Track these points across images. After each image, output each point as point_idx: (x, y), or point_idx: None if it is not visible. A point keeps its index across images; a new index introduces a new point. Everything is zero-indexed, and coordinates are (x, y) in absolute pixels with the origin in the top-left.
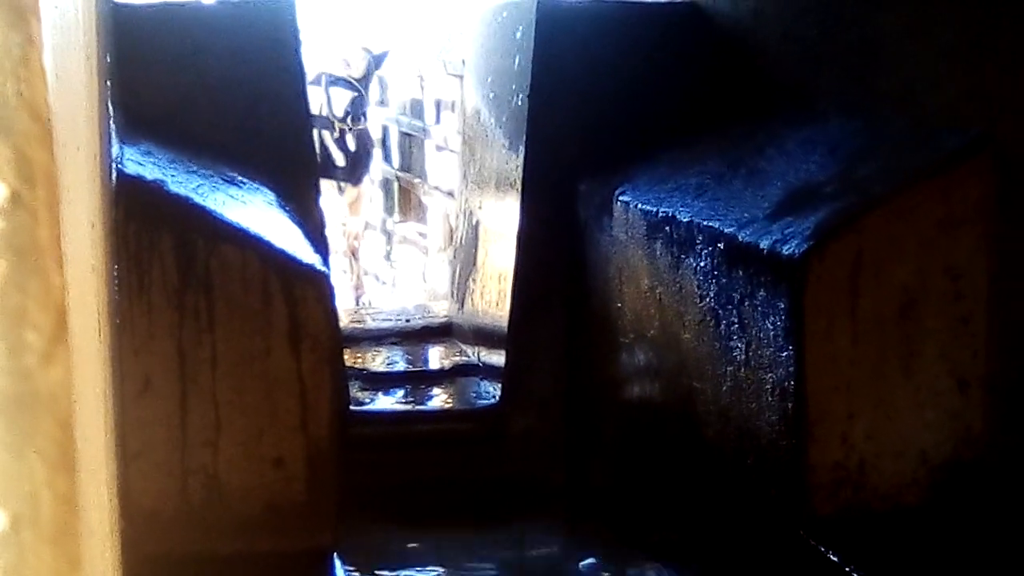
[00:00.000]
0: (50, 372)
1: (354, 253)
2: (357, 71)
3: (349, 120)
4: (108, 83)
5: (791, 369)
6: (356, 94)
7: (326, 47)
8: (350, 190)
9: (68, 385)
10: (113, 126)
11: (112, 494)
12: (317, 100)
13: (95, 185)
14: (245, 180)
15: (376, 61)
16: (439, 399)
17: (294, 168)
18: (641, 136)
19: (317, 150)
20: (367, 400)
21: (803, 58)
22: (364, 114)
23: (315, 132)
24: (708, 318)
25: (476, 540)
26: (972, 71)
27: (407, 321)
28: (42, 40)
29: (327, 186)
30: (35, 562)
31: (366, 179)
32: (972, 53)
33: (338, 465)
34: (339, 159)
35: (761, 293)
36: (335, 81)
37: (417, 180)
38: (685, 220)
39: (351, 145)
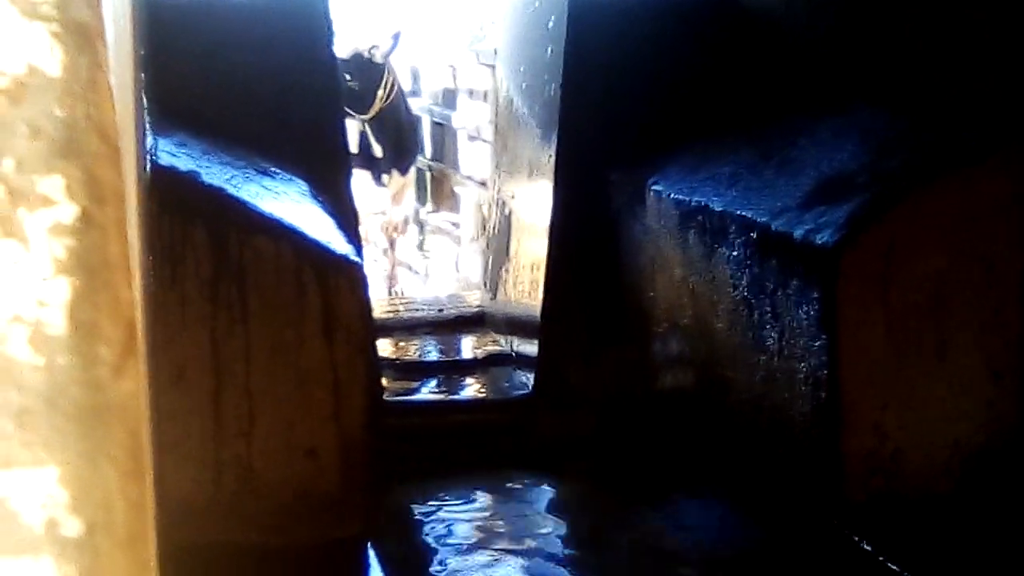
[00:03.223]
0: (121, 384)
1: (391, 244)
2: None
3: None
4: (142, 76)
5: (824, 358)
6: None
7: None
8: (396, 180)
9: (138, 396)
10: (147, 118)
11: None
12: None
13: (137, 183)
14: (278, 171)
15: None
16: (472, 389)
17: (326, 158)
18: (673, 125)
19: (356, 142)
20: (400, 390)
21: (834, 48)
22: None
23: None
24: (741, 307)
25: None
26: (1004, 61)
27: (440, 311)
28: (108, 62)
29: (366, 177)
30: (110, 566)
31: (412, 170)
32: (1003, 44)
33: (371, 455)
34: (377, 150)
35: (794, 282)
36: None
37: (450, 170)
38: (718, 210)
39: (394, 134)
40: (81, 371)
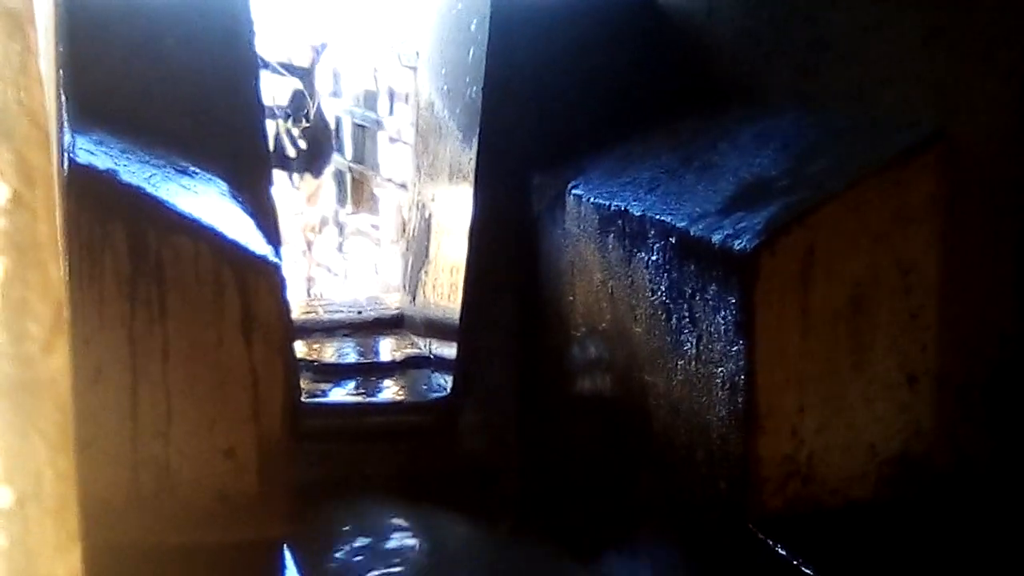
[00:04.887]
0: (50, 359)
1: (308, 245)
2: (302, 63)
3: (301, 116)
4: (61, 72)
5: (741, 363)
6: (299, 86)
7: (272, 39)
8: (309, 182)
9: (66, 371)
10: (65, 115)
11: None
12: (269, 92)
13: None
14: (198, 170)
15: (318, 53)
16: (390, 391)
17: (247, 159)
18: (595, 129)
19: (271, 142)
20: (318, 391)
21: (756, 53)
22: (309, 106)
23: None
24: (659, 312)
25: (426, 531)
26: (924, 67)
27: (359, 313)
28: (38, 48)
29: (283, 178)
30: (39, 534)
31: (326, 171)
32: (924, 49)
33: (289, 456)
34: (291, 151)
35: (712, 287)
36: (278, 69)
37: (370, 172)
38: (637, 214)
39: (308, 137)
40: (12, 347)
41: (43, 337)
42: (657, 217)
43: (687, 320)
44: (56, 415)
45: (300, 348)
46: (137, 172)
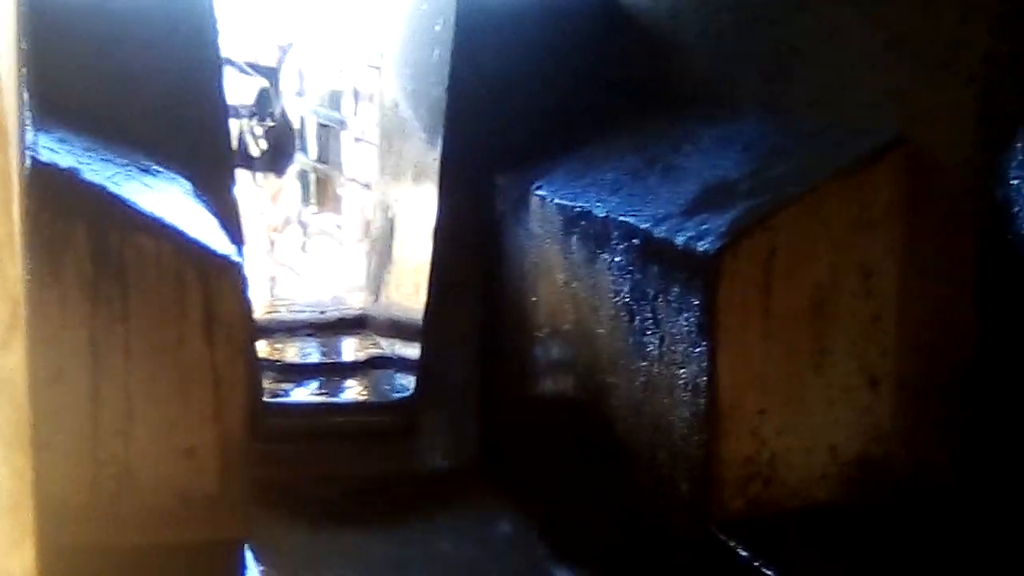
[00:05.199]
0: (7, 358)
1: (272, 245)
2: (268, 63)
3: (264, 116)
4: (24, 70)
5: (704, 365)
6: (265, 85)
7: (236, 38)
8: (272, 182)
9: (23, 369)
10: (28, 113)
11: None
12: (233, 90)
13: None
14: (161, 169)
15: (284, 53)
16: (353, 391)
17: (210, 158)
18: (559, 131)
19: (235, 141)
20: (281, 391)
21: (720, 56)
22: (274, 106)
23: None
24: (622, 313)
25: (388, 533)
26: (886, 73)
27: (322, 313)
28: None
29: (246, 177)
30: None
31: (289, 171)
32: (887, 56)
33: (251, 456)
34: (255, 149)
35: (675, 289)
36: (245, 68)
37: (334, 172)
38: (601, 215)
39: (271, 136)
40: None
41: None
42: (620, 218)
43: (650, 321)
44: (12, 413)
45: (262, 348)
46: (99, 171)
